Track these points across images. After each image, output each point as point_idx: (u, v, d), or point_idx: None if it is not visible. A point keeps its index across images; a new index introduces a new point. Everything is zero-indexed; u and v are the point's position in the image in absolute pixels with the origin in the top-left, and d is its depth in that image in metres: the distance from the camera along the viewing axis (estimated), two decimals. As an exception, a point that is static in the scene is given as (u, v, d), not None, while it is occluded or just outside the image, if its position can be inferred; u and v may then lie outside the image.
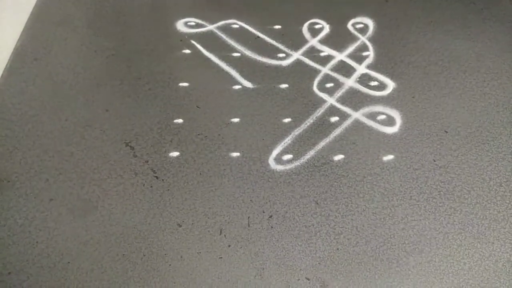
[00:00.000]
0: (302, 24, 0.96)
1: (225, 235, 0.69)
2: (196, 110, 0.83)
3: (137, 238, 0.68)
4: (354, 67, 0.90)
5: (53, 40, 0.91)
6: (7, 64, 0.87)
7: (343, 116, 0.83)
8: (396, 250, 0.68)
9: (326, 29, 0.96)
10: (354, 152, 0.78)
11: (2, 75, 0.86)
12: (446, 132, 0.81)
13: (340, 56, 0.91)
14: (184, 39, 0.93)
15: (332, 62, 0.90)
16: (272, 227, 0.70)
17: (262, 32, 0.94)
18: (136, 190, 0.73)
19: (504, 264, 0.67)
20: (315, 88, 0.87)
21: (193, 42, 0.92)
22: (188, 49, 0.91)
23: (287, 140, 0.79)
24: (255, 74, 0.88)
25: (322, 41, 0.94)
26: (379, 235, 0.70)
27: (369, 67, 0.90)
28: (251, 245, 0.68)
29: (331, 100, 0.85)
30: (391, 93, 0.86)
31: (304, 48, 0.92)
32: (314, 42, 0.94)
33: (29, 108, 0.82)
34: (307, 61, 0.91)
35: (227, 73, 0.88)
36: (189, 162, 0.76)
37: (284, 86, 0.87)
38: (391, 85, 0.87)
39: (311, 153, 0.78)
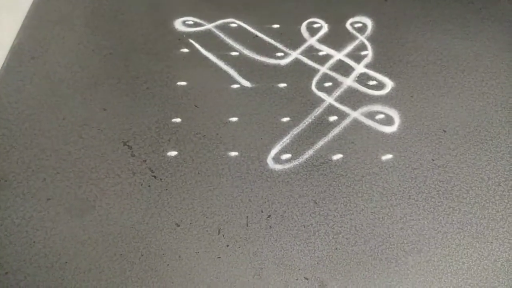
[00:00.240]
0: (300, 23, 0.96)
1: (223, 235, 0.69)
2: (194, 109, 0.83)
3: (135, 238, 0.68)
4: (353, 66, 0.90)
5: (51, 39, 0.91)
6: (4, 63, 0.86)
7: (342, 115, 0.83)
8: (395, 249, 0.68)
9: (325, 28, 0.96)
10: (353, 151, 0.78)
11: (-1, 73, 0.85)
12: (445, 131, 0.81)
13: (338, 56, 0.91)
14: (182, 38, 0.93)
15: (331, 62, 0.90)
16: (270, 226, 0.70)
17: (260, 31, 0.94)
18: (134, 189, 0.73)
19: (503, 263, 0.67)
20: (313, 88, 0.86)
21: (191, 41, 0.92)
22: (186, 48, 0.91)
23: (286, 140, 0.79)
24: (253, 73, 0.88)
25: (320, 40, 0.94)
26: (378, 234, 0.69)
27: (367, 66, 0.90)
28: (249, 245, 0.68)
29: (329, 100, 0.85)
30: (390, 93, 0.86)
31: (303, 47, 0.92)
32: (312, 41, 0.93)
33: (26, 107, 0.81)
34: (305, 60, 0.90)
35: (225, 72, 0.88)
36: (187, 162, 0.76)
37: (282, 85, 0.86)
38: (389, 84, 0.87)
39: (310, 152, 0.78)
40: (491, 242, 0.69)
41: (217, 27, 0.94)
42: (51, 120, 0.80)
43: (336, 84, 0.87)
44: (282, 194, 0.73)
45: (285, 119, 0.82)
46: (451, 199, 0.73)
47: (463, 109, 0.84)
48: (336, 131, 0.81)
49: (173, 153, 0.77)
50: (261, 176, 0.75)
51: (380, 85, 0.87)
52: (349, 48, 0.93)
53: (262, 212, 0.71)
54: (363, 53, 0.92)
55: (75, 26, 0.94)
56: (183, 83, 0.86)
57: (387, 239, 0.69)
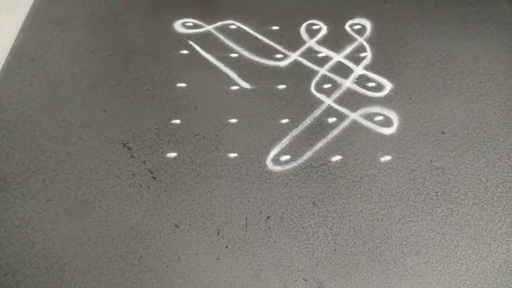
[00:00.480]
0: (300, 25, 0.96)
1: (222, 236, 0.69)
2: (194, 111, 0.83)
3: (134, 239, 0.68)
4: (352, 68, 0.90)
5: (51, 40, 0.91)
6: (4, 64, 0.87)
7: (341, 117, 0.83)
8: (394, 250, 0.68)
9: (324, 30, 0.96)
10: (352, 153, 0.78)
11: (-1, 75, 0.85)
12: (443, 133, 0.81)
13: (337, 57, 0.91)
14: (182, 40, 0.93)
15: (330, 63, 0.91)
16: (269, 228, 0.70)
17: (260, 33, 0.94)
18: (134, 191, 0.73)
19: (501, 265, 0.67)
20: (312, 89, 0.87)
21: (190, 42, 0.92)
22: (186, 49, 0.91)
23: (285, 141, 0.79)
24: (252, 75, 0.88)
25: (319, 42, 0.94)
26: (377, 236, 0.70)
27: (366, 68, 0.90)
28: (248, 246, 0.68)
29: (328, 101, 0.85)
30: (389, 94, 0.86)
31: (302, 49, 0.93)
32: (311, 43, 0.94)
33: (26, 108, 0.81)
34: (304, 62, 0.91)
35: (224, 73, 0.88)
36: (186, 163, 0.76)
37: (281, 87, 0.87)
38: (388, 86, 0.88)
39: (309, 154, 0.78)
40: (489, 243, 0.69)
41: (216, 29, 0.95)
42: (51, 122, 0.80)
43: (335, 85, 0.87)
44: (281, 196, 0.73)
45: (284, 121, 0.82)
46: (450, 201, 0.73)
47: (461, 111, 0.84)
48: (335, 132, 0.81)
49: (172, 155, 0.77)
50: (260, 177, 0.75)
51: (379, 87, 0.87)
52: (348, 50, 0.93)
53: (261, 213, 0.71)
54: (362, 54, 0.92)
55: (75, 28, 0.94)
56: (183, 84, 0.86)
57: (385, 240, 0.69)
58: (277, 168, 0.76)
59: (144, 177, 0.74)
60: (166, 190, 0.73)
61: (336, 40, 0.94)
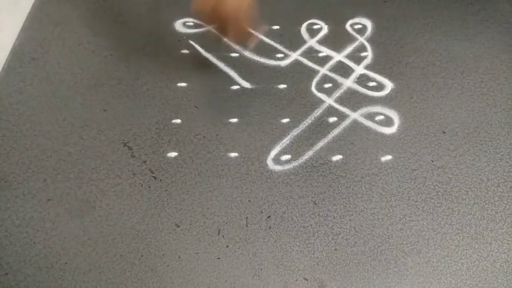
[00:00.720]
0: (300, 25, 0.96)
1: (223, 236, 0.69)
2: (194, 110, 0.83)
3: (135, 239, 0.68)
4: (352, 67, 0.90)
5: (51, 40, 0.91)
6: (4, 64, 0.87)
7: (342, 116, 0.83)
8: (394, 250, 0.68)
9: (325, 29, 0.96)
10: (352, 152, 0.78)
11: (-1, 75, 0.85)
12: (444, 132, 0.81)
13: (338, 57, 0.91)
14: (182, 39, 0.93)
15: (331, 63, 0.91)
16: (270, 227, 0.70)
17: (260, 33, 0.94)
18: (134, 190, 0.73)
19: (502, 264, 0.67)
20: (313, 89, 0.87)
21: (191, 42, 0.92)
22: (186, 49, 0.91)
23: (286, 141, 0.79)
24: (253, 74, 0.88)
25: (320, 42, 0.94)
26: (377, 235, 0.70)
27: (367, 67, 0.90)
28: (249, 246, 0.68)
29: (329, 101, 0.85)
30: (389, 94, 0.86)
31: (303, 49, 0.93)
32: (312, 42, 0.94)
33: (27, 108, 0.81)
34: (305, 61, 0.91)
35: (225, 73, 0.88)
36: (187, 163, 0.76)
37: (282, 86, 0.87)
38: (389, 85, 0.87)
39: (309, 153, 0.78)
40: (491, 243, 0.69)
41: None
42: (52, 121, 0.80)
43: (336, 85, 0.87)
44: (281, 195, 0.73)
45: (285, 120, 0.82)
46: (451, 200, 0.73)
47: (462, 110, 0.84)
48: (335, 132, 0.81)
49: (173, 154, 0.77)
50: (261, 177, 0.75)
51: (379, 86, 0.87)
52: (349, 49, 0.93)
53: (261, 213, 0.71)
54: (363, 54, 0.92)
55: (75, 27, 0.94)
56: (183, 84, 0.86)
57: (386, 240, 0.69)
58: (278, 168, 0.76)
59: (145, 176, 0.74)
60: (166, 190, 0.73)
61: (336, 39, 0.94)
